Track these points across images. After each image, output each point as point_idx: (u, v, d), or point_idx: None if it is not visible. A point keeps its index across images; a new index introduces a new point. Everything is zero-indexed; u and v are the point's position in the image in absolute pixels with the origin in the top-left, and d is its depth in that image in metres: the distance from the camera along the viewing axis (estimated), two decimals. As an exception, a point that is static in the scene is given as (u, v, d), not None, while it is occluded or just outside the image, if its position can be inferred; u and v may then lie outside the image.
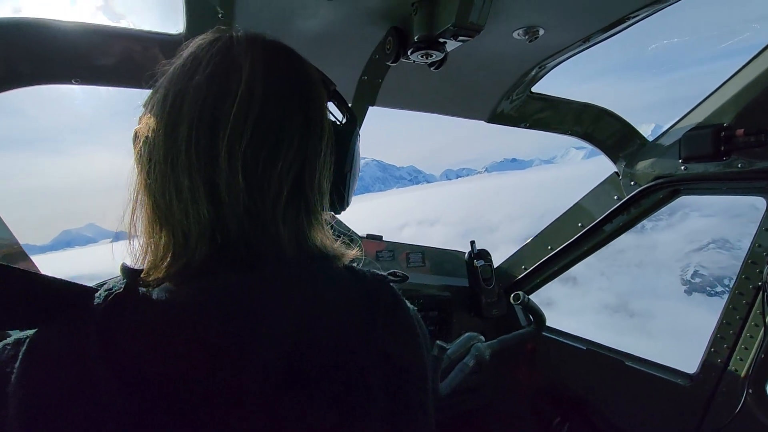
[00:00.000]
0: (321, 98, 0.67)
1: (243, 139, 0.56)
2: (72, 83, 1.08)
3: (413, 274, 2.21)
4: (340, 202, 0.75)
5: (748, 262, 1.50)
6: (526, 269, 2.21)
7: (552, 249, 2.09)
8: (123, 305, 0.50)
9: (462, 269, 2.24)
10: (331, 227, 0.71)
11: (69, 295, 0.52)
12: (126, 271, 0.53)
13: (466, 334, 1.66)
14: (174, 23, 1.10)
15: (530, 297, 2.32)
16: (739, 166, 1.43)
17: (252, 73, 0.58)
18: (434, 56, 1.15)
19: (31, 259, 1.44)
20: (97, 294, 0.51)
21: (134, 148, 0.62)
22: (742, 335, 1.52)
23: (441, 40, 1.10)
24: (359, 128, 1.76)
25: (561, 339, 2.10)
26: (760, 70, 1.38)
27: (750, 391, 1.49)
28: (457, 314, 2.18)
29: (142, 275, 0.57)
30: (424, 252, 2.25)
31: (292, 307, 0.57)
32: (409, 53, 1.15)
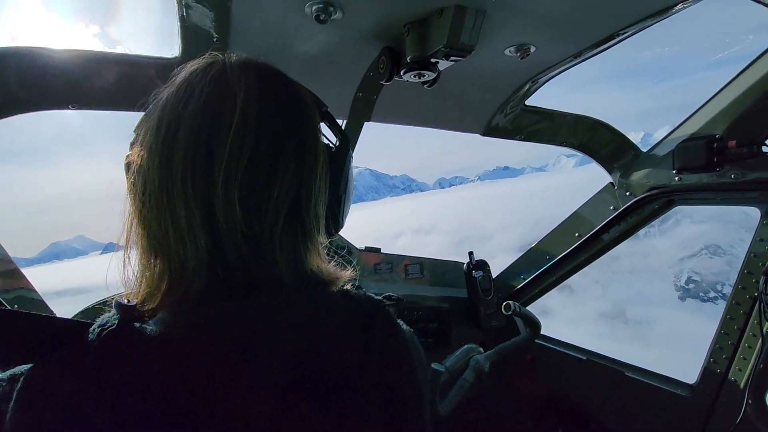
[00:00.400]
0: (314, 122, 0.68)
1: (239, 168, 0.57)
2: (69, 108, 1.09)
3: (412, 285, 2.21)
4: (335, 225, 0.75)
5: (744, 272, 1.51)
6: (524, 279, 2.21)
7: (550, 259, 2.09)
8: (117, 341, 0.50)
9: (461, 280, 2.24)
10: (330, 242, 0.71)
11: (63, 331, 0.52)
12: (119, 306, 0.53)
13: (465, 346, 1.66)
14: (169, 48, 1.11)
15: (528, 306, 2.33)
16: (733, 176, 1.44)
17: (246, 100, 0.59)
18: (427, 75, 1.16)
19: (24, 275, 1.44)
20: (91, 329, 0.51)
21: (127, 178, 0.62)
22: (741, 345, 1.52)
23: (433, 60, 1.11)
24: (355, 144, 1.77)
25: (561, 349, 2.09)
26: (751, 82, 1.39)
27: (750, 401, 1.48)
28: (456, 326, 2.17)
29: (137, 305, 0.57)
30: (422, 263, 2.25)
31: (288, 327, 0.57)
32: (402, 73, 1.16)
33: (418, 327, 2.08)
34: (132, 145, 0.64)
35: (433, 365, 1.40)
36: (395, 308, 0.73)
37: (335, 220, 0.74)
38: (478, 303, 2.14)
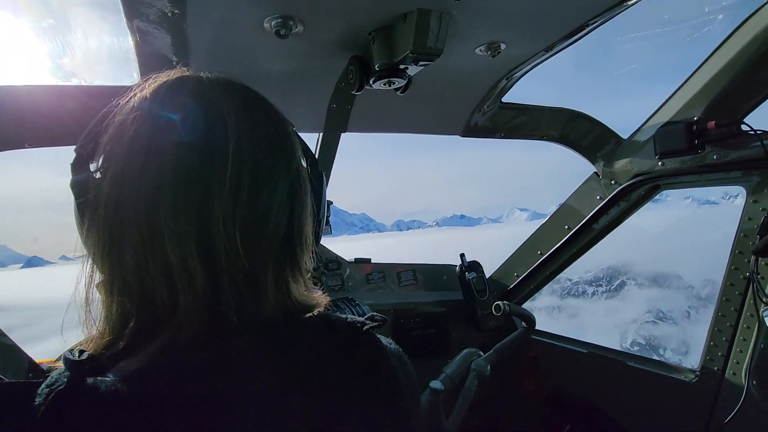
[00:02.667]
0: (298, 146, 0.64)
1: (239, 201, 0.53)
2: (25, 147, 1.04)
3: (407, 292, 2.17)
4: (317, 247, 0.73)
5: (736, 252, 1.50)
6: (518, 276, 2.19)
7: (542, 254, 2.07)
8: (67, 403, 0.46)
9: (455, 283, 2.21)
10: (319, 256, 0.68)
11: (8, 395, 0.47)
12: (68, 362, 0.48)
13: (464, 351, 1.63)
14: (128, 75, 1.07)
15: (525, 302, 2.31)
16: (715, 157, 1.43)
17: (238, 128, 0.55)
18: (397, 82, 1.13)
19: None
20: (39, 390, 0.47)
21: (82, 208, 0.55)
22: (739, 326, 1.50)
23: (402, 66, 1.08)
24: (333, 157, 1.73)
25: (561, 344, 2.07)
26: (723, 62, 1.39)
27: (754, 382, 1.47)
28: (454, 329, 2.14)
29: (96, 353, 0.52)
30: (414, 269, 2.22)
31: (270, 371, 0.53)
32: (371, 82, 1.13)
33: (415, 333, 2.05)
34: (76, 168, 0.57)
35: (432, 384, 1.36)
36: (381, 328, 0.68)
37: (317, 244, 0.72)
38: (474, 304, 2.11)
